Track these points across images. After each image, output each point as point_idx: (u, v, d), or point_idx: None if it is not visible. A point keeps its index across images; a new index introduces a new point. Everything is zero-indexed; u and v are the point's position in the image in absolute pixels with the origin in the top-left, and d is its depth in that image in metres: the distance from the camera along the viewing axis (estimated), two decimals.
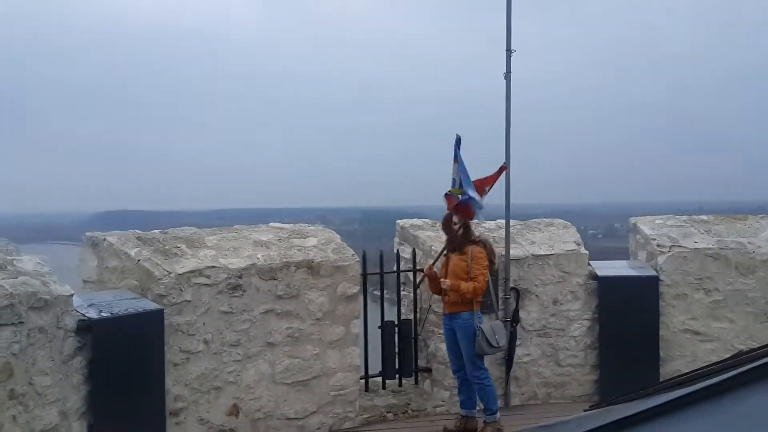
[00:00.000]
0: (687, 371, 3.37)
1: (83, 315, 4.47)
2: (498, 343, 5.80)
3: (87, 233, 5.50)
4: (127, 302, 4.85)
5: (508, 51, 6.53)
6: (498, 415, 5.86)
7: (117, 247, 5.28)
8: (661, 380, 6.80)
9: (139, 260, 5.22)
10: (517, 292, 6.75)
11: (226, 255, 5.70)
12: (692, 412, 1.80)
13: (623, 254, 7.94)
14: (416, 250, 6.77)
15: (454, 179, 5.91)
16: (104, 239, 5.35)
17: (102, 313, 4.55)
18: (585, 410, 3.67)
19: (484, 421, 5.87)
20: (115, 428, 4.54)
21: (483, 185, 5.88)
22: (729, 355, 6.71)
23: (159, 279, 5.14)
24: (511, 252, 6.72)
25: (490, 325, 5.82)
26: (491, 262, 5.94)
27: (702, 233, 7.18)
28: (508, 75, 6.57)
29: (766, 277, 6.79)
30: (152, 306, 4.97)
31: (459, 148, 5.84)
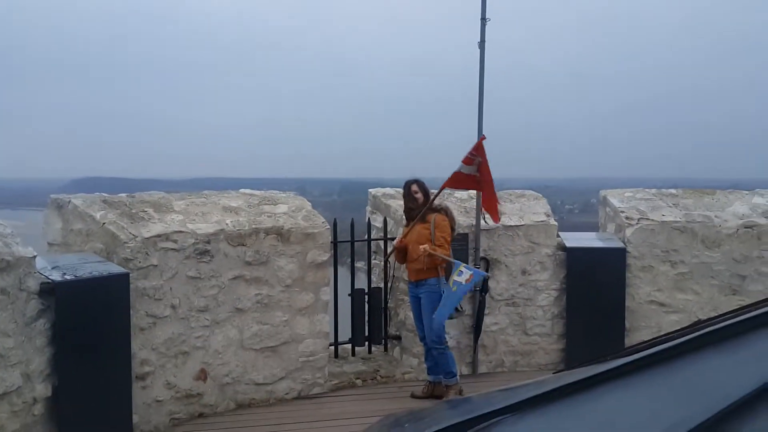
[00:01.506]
0: (648, 339, 3.43)
1: (46, 277, 4.41)
2: (461, 308, 6.02)
3: (52, 195, 5.41)
4: (91, 265, 4.79)
5: (483, 20, 6.48)
6: (458, 377, 6.00)
7: (82, 210, 5.21)
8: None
9: (104, 223, 5.15)
10: (487, 262, 6.80)
11: (194, 220, 5.65)
12: (646, 375, 1.84)
13: (595, 228, 8.02)
14: (387, 219, 6.77)
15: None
16: (69, 201, 5.27)
17: (66, 276, 4.49)
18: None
19: (445, 385, 5.96)
20: (80, 391, 4.52)
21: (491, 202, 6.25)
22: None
23: (125, 243, 5.09)
24: (482, 222, 6.74)
25: None
26: (452, 229, 5.99)
27: (670, 206, 7.26)
28: (482, 44, 6.53)
29: (732, 251, 6.91)
30: (117, 270, 4.92)
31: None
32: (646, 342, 3.13)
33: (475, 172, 6.08)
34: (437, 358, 5.98)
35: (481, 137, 6.18)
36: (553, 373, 3.54)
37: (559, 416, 1.87)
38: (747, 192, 7.46)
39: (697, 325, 2.85)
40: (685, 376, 1.75)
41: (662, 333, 6.94)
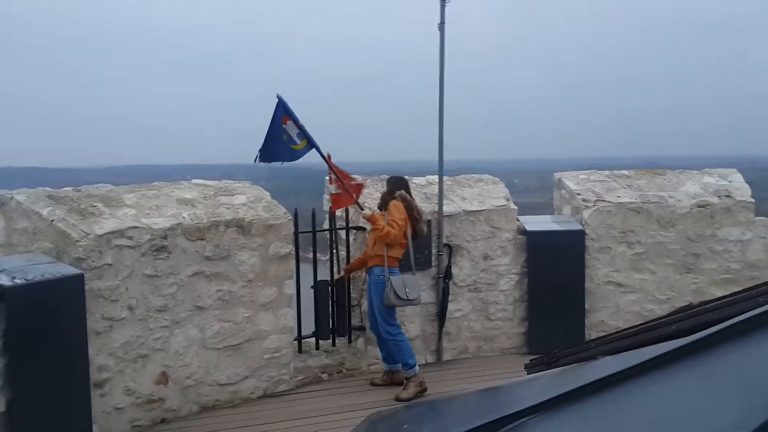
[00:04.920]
0: (630, 326, 3.38)
1: None
2: (407, 296, 5.73)
3: None
4: (42, 267, 4.41)
5: (443, 0, 6.33)
6: (417, 368, 5.85)
7: (27, 207, 4.79)
8: (585, 331, 6.99)
9: (52, 220, 4.75)
10: (450, 249, 6.70)
11: (148, 214, 5.30)
12: (678, 367, 1.72)
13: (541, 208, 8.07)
14: (348, 207, 6.56)
15: (296, 135, 5.74)
16: (11, 198, 4.84)
17: (15, 280, 4.11)
18: (527, 365, 3.63)
19: (405, 377, 5.84)
20: (36, 403, 4.16)
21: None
22: (651, 306, 6.93)
23: (77, 241, 4.71)
24: (444, 208, 6.64)
25: (402, 278, 5.76)
26: (413, 218, 5.83)
27: (624, 188, 7.35)
28: (442, 26, 6.38)
29: (686, 230, 7.06)
30: (71, 271, 4.55)
31: (285, 107, 5.68)
32: (630, 328, 3.07)
33: (336, 189, 5.96)
34: (391, 349, 5.87)
35: (328, 155, 5.90)
36: (531, 361, 3.44)
37: (596, 413, 1.74)
38: (696, 171, 7.63)
39: (689, 309, 2.81)
40: (733, 365, 1.64)
41: (620, 313, 7.06)
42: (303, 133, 5.66)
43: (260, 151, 5.58)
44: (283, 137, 5.62)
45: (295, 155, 5.72)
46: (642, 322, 3.25)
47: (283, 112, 5.62)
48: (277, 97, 5.62)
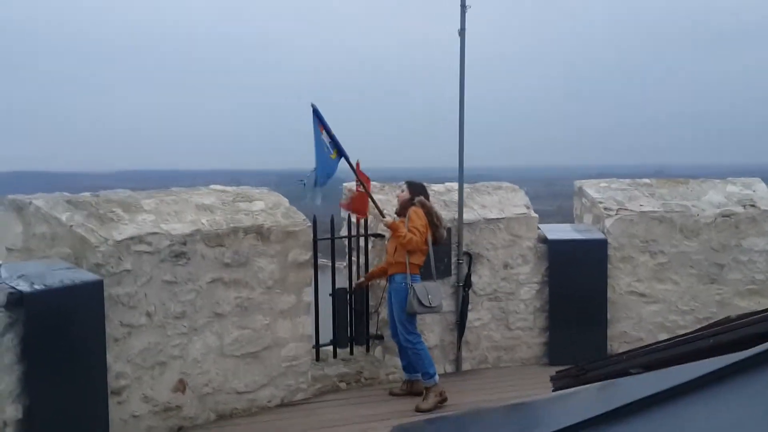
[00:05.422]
0: (666, 338, 3.28)
1: (13, 288, 3.96)
2: (430, 303, 5.65)
3: (9, 196, 4.92)
4: (61, 273, 4.35)
5: (463, 7, 6.27)
6: (437, 378, 5.75)
7: (45, 212, 4.75)
8: (607, 342, 6.87)
9: (71, 226, 4.71)
10: (470, 257, 6.61)
11: (167, 220, 5.25)
12: (731, 385, 1.60)
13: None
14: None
15: (329, 143, 5.70)
16: (30, 202, 4.80)
17: (35, 286, 4.05)
18: (553, 377, 3.53)
19: (425, 387, 5.74)
20: (54, 410, 4.09)
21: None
22: (674, 317, 6.79)
23: (96, 247, 4.66)
24: (464, 216, 6.56)
25: (424, 285, 5.68)
26: (433, 224, 5.75)
27: (647, 196, 7.24)
28: (462, 32, 6.32)
29: (709, 240, 6.93)
30: (90, 277, 4.50)
31: (320, 116, 5.63)
32: (667, 340, 2.96)
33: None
34: (411, 357, 5.78)
35: (357, 163, 5.87)
36: (557, 373, 3.33)
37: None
38: (719, 180, 7.51)
39: (728, 322, 2.70)
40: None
41: (643, 324, 6.94)
42: (334, 142, 5.62)
43: (316, 173, 5.55)
44: (324, 149, 5.61)
45: (334, 167, 5.73)
46: (675, 335, 3.15)
47: (318, 122, 5.59)
48: (312, 106, 5.59)
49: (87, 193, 5.26)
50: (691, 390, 1.60)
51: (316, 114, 5.60)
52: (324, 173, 5.61)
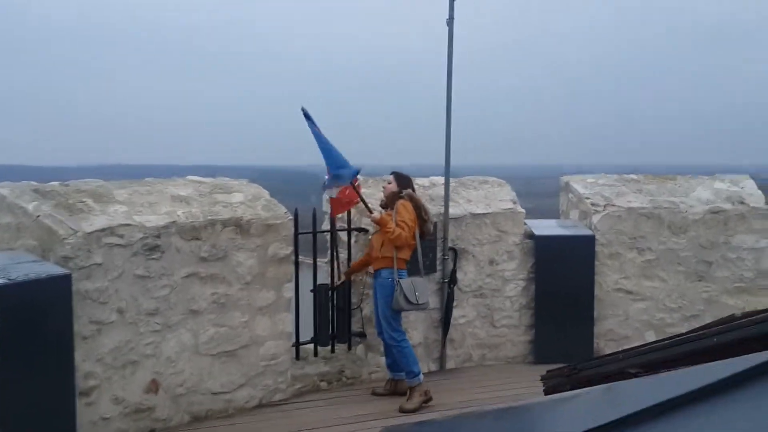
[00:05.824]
0: (666, 337, 3.11)
1: None
2: (417, 300, 5.46)
3: None
4: (26, 266, 4.09)
5: None
6: (421, 377, 5.56)
7: (11, 201, 4.48)
8: (594, 339, 6.74)
9: (38, 216, 4.44)
10: (455, 253, 6.43)
11: (141, 211, 4.99)
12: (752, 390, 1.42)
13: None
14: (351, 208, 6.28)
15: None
16: None
17: None
18: (543, 376, 3.35)
19: (409, 387, 5.55)
20: (18, 412, 3.84)
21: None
22: (662, 315, 6.67)
23: (64, 239, 4.39)
24: (450, 211, 6.37)
25: (411, 281, 5.48)
26: (421, 218, 5.56)
27: (634, 192, 7.11)
28: (450, 21, 6.12)
29: (698, 237, 6.82)
30: (57, 270, 4.24)
31: (310, 118, 5.55)
32: (669, 338, 2.79)
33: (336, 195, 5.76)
34: (395, 355, 5.60)
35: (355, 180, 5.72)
36: (548, 372, 3.15)
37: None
38: (707, 177, 7.41)
39: (732, 321, 2.53)
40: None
41: (630, 321, 6.81)
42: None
43: (334, 174, 5.53)
44: (328, 143, 5.59)
45: (343, 159, 5.69)
46: (674, 335, 2.98)
47: (312, 123, 5.55)
48: (302, 110, 5.51)
49: (56, 183, 4.98)
50: (706, 396, 1.41)
51: (308, 117, 5.50)
52: (335, 166, 5.58)
